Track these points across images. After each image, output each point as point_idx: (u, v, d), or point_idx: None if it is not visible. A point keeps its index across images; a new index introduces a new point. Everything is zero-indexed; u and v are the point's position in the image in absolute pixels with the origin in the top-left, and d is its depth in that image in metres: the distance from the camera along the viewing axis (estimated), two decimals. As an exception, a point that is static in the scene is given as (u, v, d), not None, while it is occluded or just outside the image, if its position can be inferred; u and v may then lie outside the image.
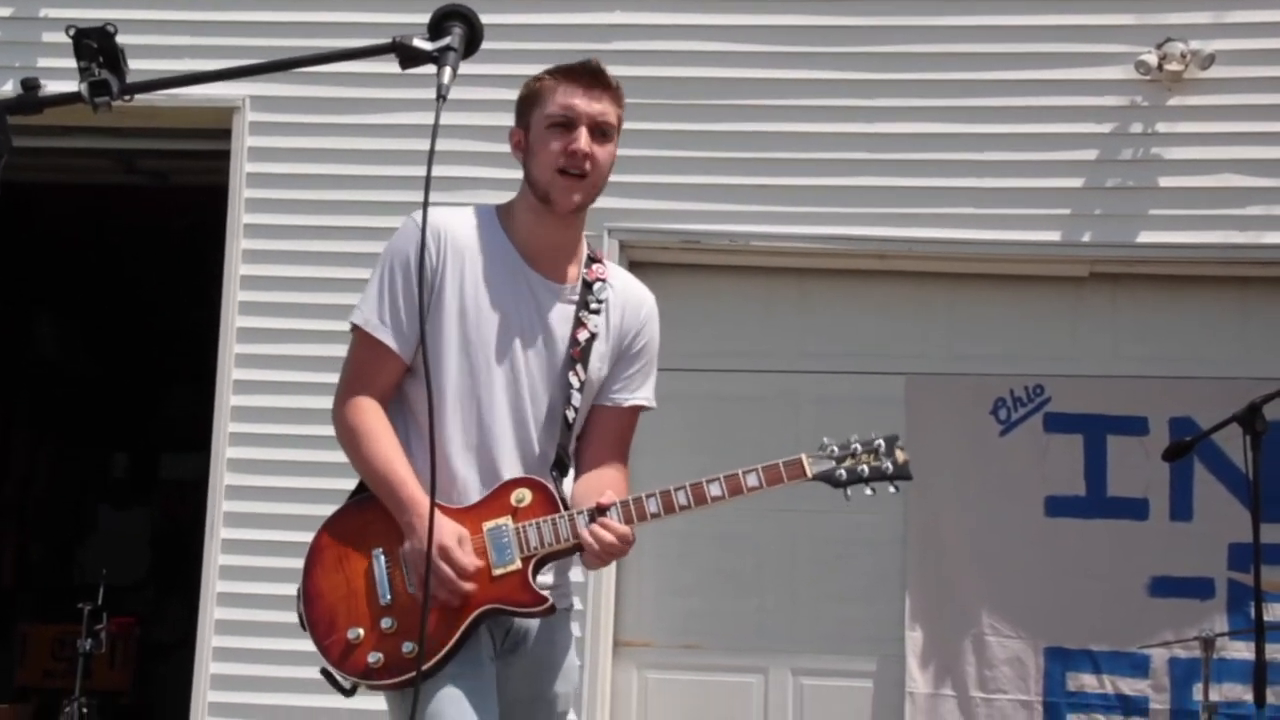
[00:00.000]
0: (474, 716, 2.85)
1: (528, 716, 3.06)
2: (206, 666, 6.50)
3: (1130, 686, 6.30)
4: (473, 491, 2.98)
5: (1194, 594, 6.28)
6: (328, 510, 3.04)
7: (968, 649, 6.37)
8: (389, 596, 2.91)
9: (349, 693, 2.96)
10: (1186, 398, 6.35)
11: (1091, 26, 6.56)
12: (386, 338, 2.99)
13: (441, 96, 2.39)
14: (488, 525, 2.94)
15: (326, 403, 3.10)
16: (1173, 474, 6.28)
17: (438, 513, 2.77)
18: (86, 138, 7.05)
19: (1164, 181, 6.48)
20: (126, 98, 2.26)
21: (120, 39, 2.25)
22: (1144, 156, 6.49)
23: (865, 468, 3.06)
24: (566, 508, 2.98)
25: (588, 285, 3.10)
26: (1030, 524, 6.42)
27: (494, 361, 3.00)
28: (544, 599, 2.93)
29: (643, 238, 6.61)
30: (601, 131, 3.01)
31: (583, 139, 2.97)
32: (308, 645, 2.94)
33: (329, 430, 3.08)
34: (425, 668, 2.78)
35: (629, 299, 3.17)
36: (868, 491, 3.07)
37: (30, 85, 2.24)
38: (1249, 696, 4.97)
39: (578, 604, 6.12)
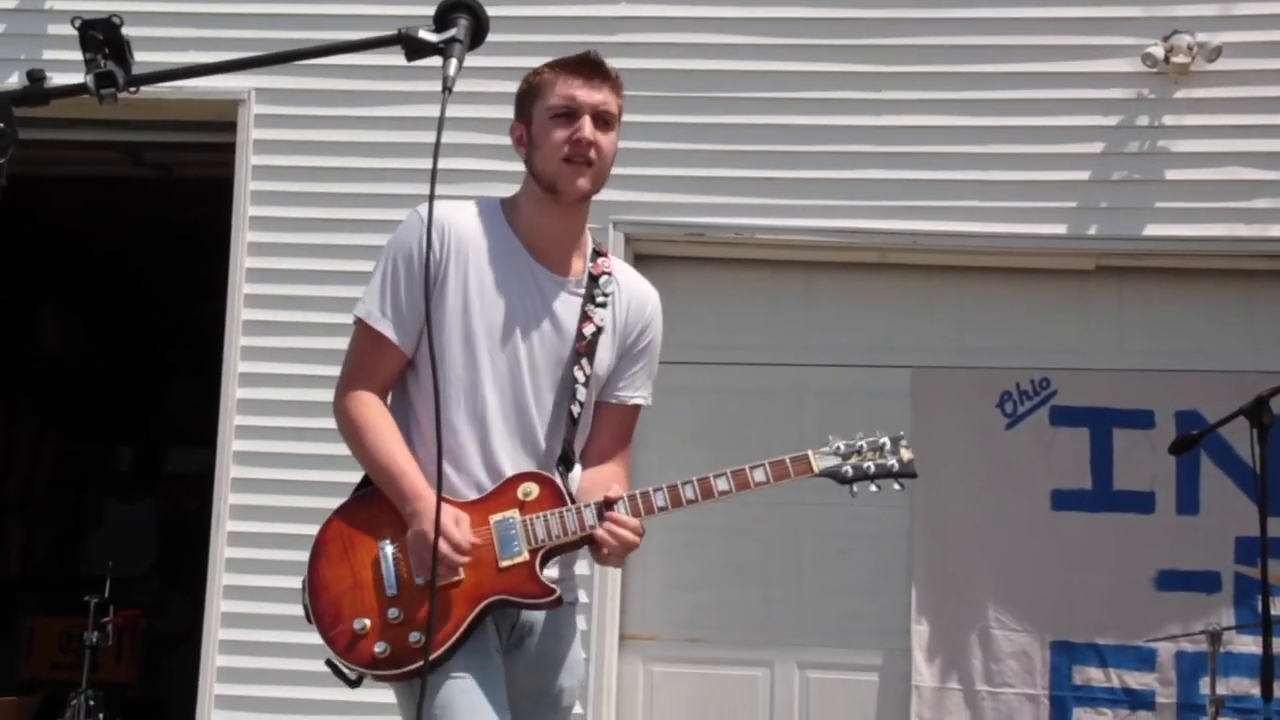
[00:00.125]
0: (485, 705, 2.85)
1: (533, 710, 3.05)
2: (213, 659, 6.51)
3: (1137, 680, 6.29)
4: (477, 485, 2.98)
5: (1201, 588, 6.28)
6: (335, 503, 3.04)
7: (974, 642, 6.37)
8: (396, 587, 2.91)
9: (354, 684, 2.96)
10: (1193, 391, 6.34)
11: (1098, 19, 6.55)
12: (388, 330, 2.99)
13: (447, 89, 2.39)
14: (495, 518, 2.94)
15: (332, 396, 3.10)
16: (1179, 467, 6.28)
17: (434, 500, 2.77)
18: (92, 130, 7.04)
19: (1170, 174, 6.47)
20: (132, 90, 2.26)
21: (126, 31, 2.25)
22: (1150, 149, 6.48)
23: (871, 465, 3.09)
24: (574, 502, 2.98)
25: (594, 279, 3.09)
26: (1036, 517, 6.42)
27: (499, 355, 3.00)
28: (551, 590, 2.94)
29: (648, 231, 6.60)
30: (604, 120, 3.01)
31: (587, 127, 2.97)
32: (314, 638, 2.95)
33: (335, 423, 3.08)
34: (432, 658, 2.78)
35: (634, 295, 3.17)
36: (873, 489, 3.11)
37: (36, 77, 2.25)
38: (1256, 690, 4.97)
39: (583, 597, 6.16)
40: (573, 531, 2.94)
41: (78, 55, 2.23)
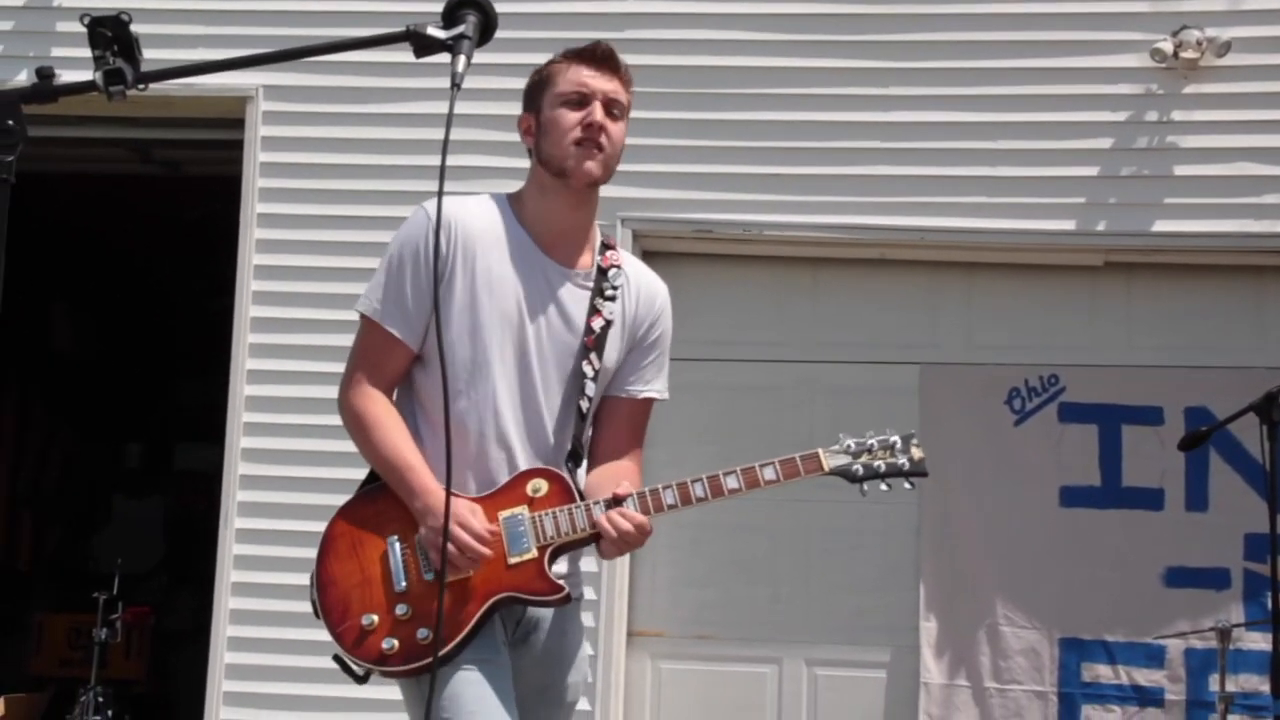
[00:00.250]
0: (493, 699, 2.85)
1: (539, 706, 3.05)
2: (221, 656, 6.52)
3: (1146, 677, 6.28)
4: (487, 481, 2.97)
5: (1210, 584, 6.27)
6: (342, 500, 3.03)
7: (982, 639, 6.37)
8: (404, 583, 2.91)
9: (362, 680, 2.95)
10: (1202, 387, 6.33)
11: (1107, 14, 6.53)
12: (393, 326, 2.98)
13: (456, 85, 2.38)
14: (504, 514, 2.94)
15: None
16: (1188, 464, 6.27)
17: (443, 495, 2.77)
18: (101, 127, 7.06)
19: (1179, 170, 6.45)
20: (141, 87, 2.26)
21: (134, 28, 2.25)
22: (1159, 145, 6.47)
23: (881, 464, 3.08)
24: (582, 498, 2.98)
25: (602, 272, 3.08)
26: (1045, 514, 6.41)
27: (507, 349, 2.99)
28: (560, 588, 2.93)
29: (656, 227, 6.60)
30: (613, 109, 3.01)
31: (598, 111, 2.98)
32: (323, 635, 2.94)
33: (341, 420, 3.08)
34: (441, 654, 2.78)
35: (643, 288, 3.16)
36: (883, 487, 3.10)
37: (45, 74, 2.24)
38: (1265, 687, 4.96)
39: (590, 593, 6.15)
40: (581, 529, 2.94)
41: (86, 52, 2.23)
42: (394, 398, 3.05)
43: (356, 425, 3.00)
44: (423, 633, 2.86)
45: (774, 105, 6.61)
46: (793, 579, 6.57)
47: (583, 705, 6.19)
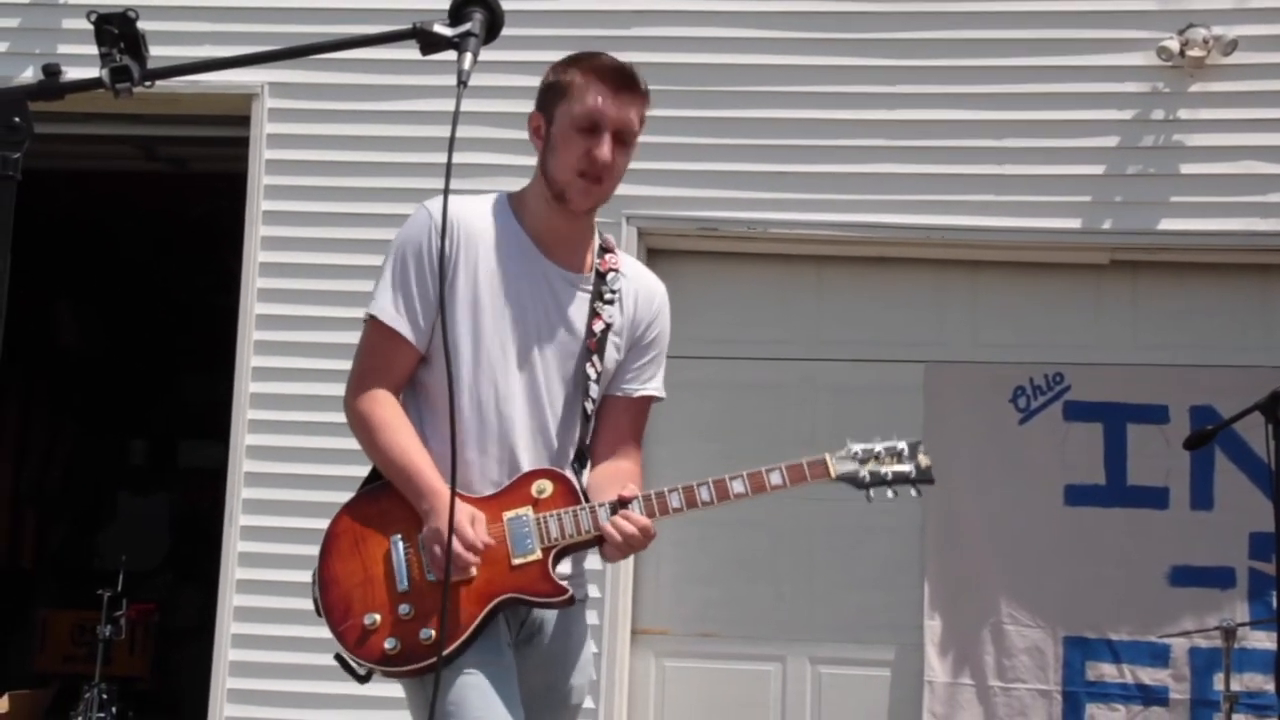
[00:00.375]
0: (497, 701, 2.83)
1: (543, 708, 3.04)
2: (225, 653, 6.52)
3: (1150, 676, 6.28)
4: (492, 481, 2.96)
5: (1214, 583, 6.26)
6: (347, 497, 3.02)
7: (986, 638, 6.36)
8: (407, 583, 2.89)
9: (363, 680, 2.94)
10: (1207, 386, 6.32)
11: (1113, 12, 6.53)
12: (401, 327, 2.97)
13: (462, 83, 2.38)
14: (508, 515, 2.93)
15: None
16: (1193, 463, 6.26)
17: (449, 497, 2.76)
18: (107, 124, 7.07)
19: (1185, 168, 6.45)
20: (147, 84, 2.25)
21: (141, 25, 2.24)
22: (1165, 143, 6.46)
23: (888, 471, 3.09)
24: (587, 500, 2.97)
25: (601, 275, 3.08)
26: (1050, 513, 6.40)
27: (510, 351, 2.98)
28: (564, 589, 2.93)
29: (660, 225, 6.60)
30: (623, 138, 2.98)
31: (606, 147, 2.94)
32: (327, 633, 2.94)
33: (346, 420, 3.07)
34: (444, 654, 2.77)
35: (641, 289, 3.15)
36: (890, 494, 3.11)
37: (51, 71, 2.24)
38: (1270, 686, 4.97)
39: (594, 591, 6.15)
40: (586, 531, 2.92)
41: (93, 50, 2.22)
42: (401, 399, 3.04)
43: (363, 427, 2.99)
44: (425, 633, 2.85)
45: (779, 103, 6.61)
46: (797, 577, 6.57)
47: (587, 703, 6.21)
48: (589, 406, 3.04)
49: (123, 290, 11.48)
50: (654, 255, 6.52)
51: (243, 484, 6.61)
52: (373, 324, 3.01)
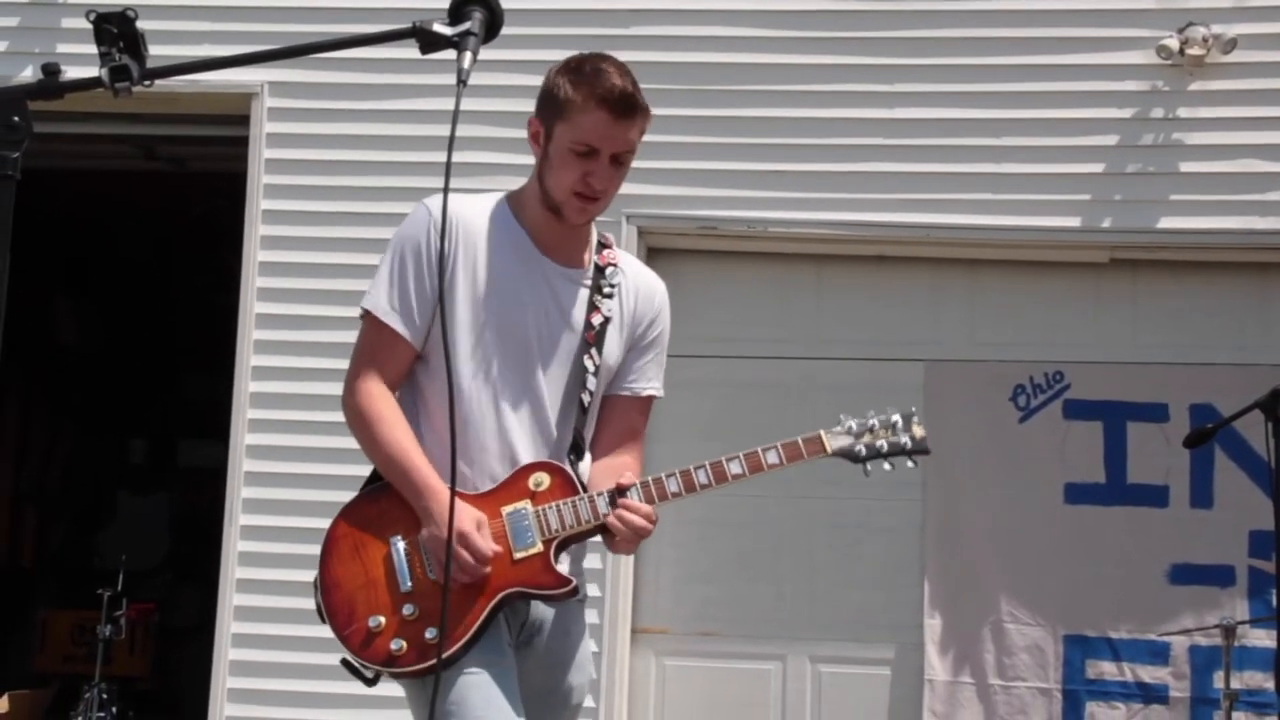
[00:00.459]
0: (500, 700, 2.84)
1: (543, 708, 3.03)
2: (226, 652, 6.52)
3: (1150, 674, 6.28)
4: (490, 476, 2.97)
5: (1214, 581, 6.27)
6: (348, 497, 3.03)
7: (986, 636, 6.37)
8: (409, 583, 2.89)
9: (371, 682, 2.94)
10: (1207, 384, 6.32)
11: (1112, 11, 6.53)
12: (397, 324, 2.97)
13: (462, 82, 2.38)
14: (507, 509, 2.93)
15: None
16: (1193, 461, 6.26)
17: (447, 495, 2.76)
18: (106, 124, 7.07)
19: (1185, 167, 6.45)
20: (146, 83, 2.25)
21: (140, 24, 2.24)
22: (1165, 142, 6.46)
23: (884, 443, 3.07)
24: (585, 490, 2.97)
25: (600, 270, 3.09)
26: (1050, 511, 6.41)
27: (509, 346, 2.99)
28: (568, 580, 2.93)
29: (660, 224, 6.60)
30: (622, 159, 2.96)
31: (602, 171, 2.93)
32: (327, 632, 2.93)
33: (344, 418, 3.07)
34: (448, 654, 2.77)
35: (642, 286, 3.16)
36: (886, 466, 3.09)
37: (51, 70, 2.24)
38: (1270, 684, 4.97)
39: (595, 590, 6.15)
40: (586, 520, 2.93)
41: (92, 49, 2.22)
42: (397, 395, 3.04)
43: (360, 424, 2.99)
44: (431, 632, 2.84)
45: (778, 102, 6.61)
46: (797, 576, 6.57)
47: (587, 702, 6.21)
48: (586, 399, 3.04)
49: (123, 290, 11.47)
50: (653, 254, 6.52)
51: (242, 483, 6.61)
52: (369, 320, 3.02)
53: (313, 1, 6.79)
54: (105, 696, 7.65)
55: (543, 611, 3.01)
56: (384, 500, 2.96)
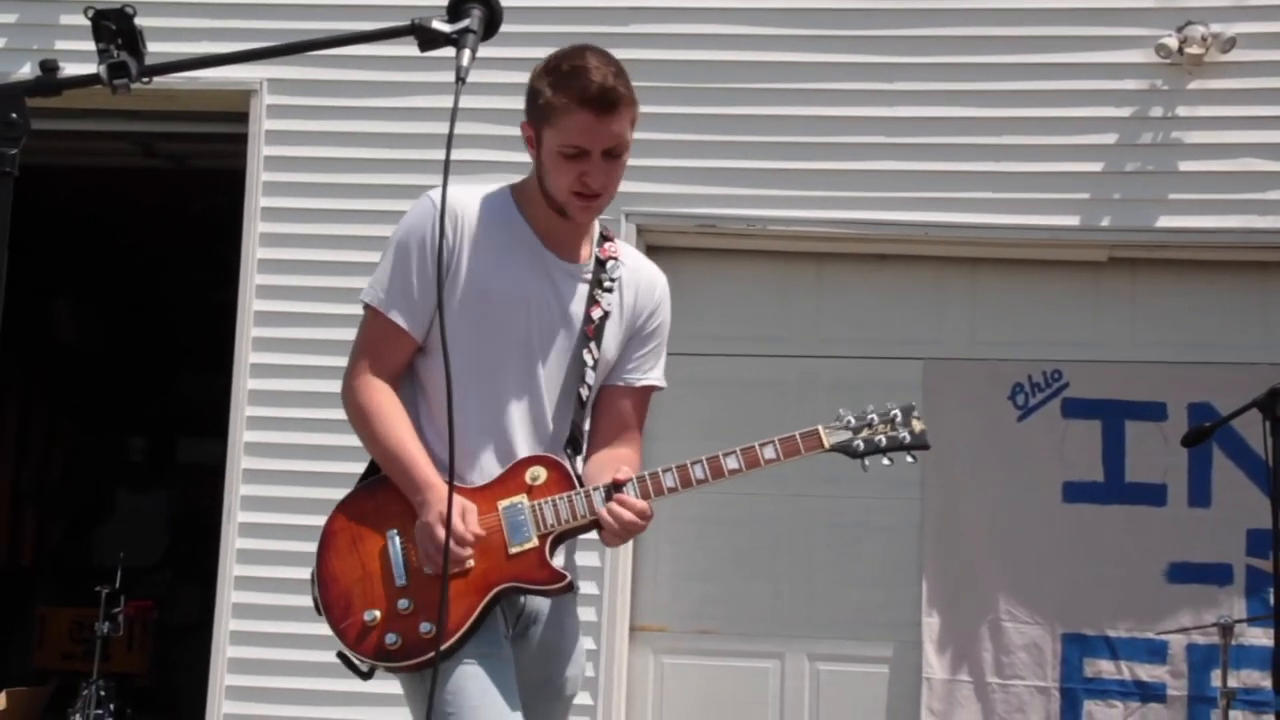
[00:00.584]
0: (495, 692, 2.84)
1: (537, 700, 3.03)
2: (224, 650, 6.52)
3: (1148, 672, 6.29)
4: (487, 470, 2.96)
5: (1212, 580, 6.27)
6: (345, 494, 3.03)
7: (985, 635, 6.37)
8: (405, 578, 2.90)
9: (366, 676, 2.95)
10: (1205, 383, 6.33)
11: (1111, 10, 6.53)
12: (398, 317, 2.97)
13: (461, 79, 2.38)
14: (503, 504, 2.93)
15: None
16: (1191, 460, 6.27)
17: (444, 490, 2.76)
18: (104, 120, 7.06)
19: (1184, 166, 6.45)
20: (145, 80, 2.25)
21: (139, 21, 2.24)
22: (1164, 141, 6.46)
23: (882, 438, 3.05)
24: (582, 485, 2.97)
25: (600, 263, 3.08)
26: (1048, 510, 6.41)
27: (508, 339, 2.99)
28: (562, 576, 2.93)
29: (659, 221, 6.60)
30: (614, 153, 2.93)
31: (596, 169, 2.91)
32: (325, 629, 2.94)
33: (344, 412, 3.07)
34: (444, 648, 2.78)
35: (642, 279, 3.16)
36: (885, 461, 3.06)
37: (49, 67, 2.24)
38: (1267, 683, 4.97)
39: (593, 588, 6.16)
40: (582, 516, 2.93)
41: (90, 45, 2.22)
42: (398, 388, 3.04)
43: (359, 416, 3.00)
44: (425, 627, 2.85)
45: (778, 100, 6.61)
46: (795, 574, 6.57)
47: (585, 700, 6.23)
48: (584, 393, 3.04)
49: (121, 287, 11.47)
50: (653, 252, 6.51)
51: (241, 481, 6.61)
52: (370, 313, 3.02)
53: (312, -1, 6.79)
54: (103, 694, 7.66)
55: (539, 603, 3.01)
56: (381, 494, 2.96)
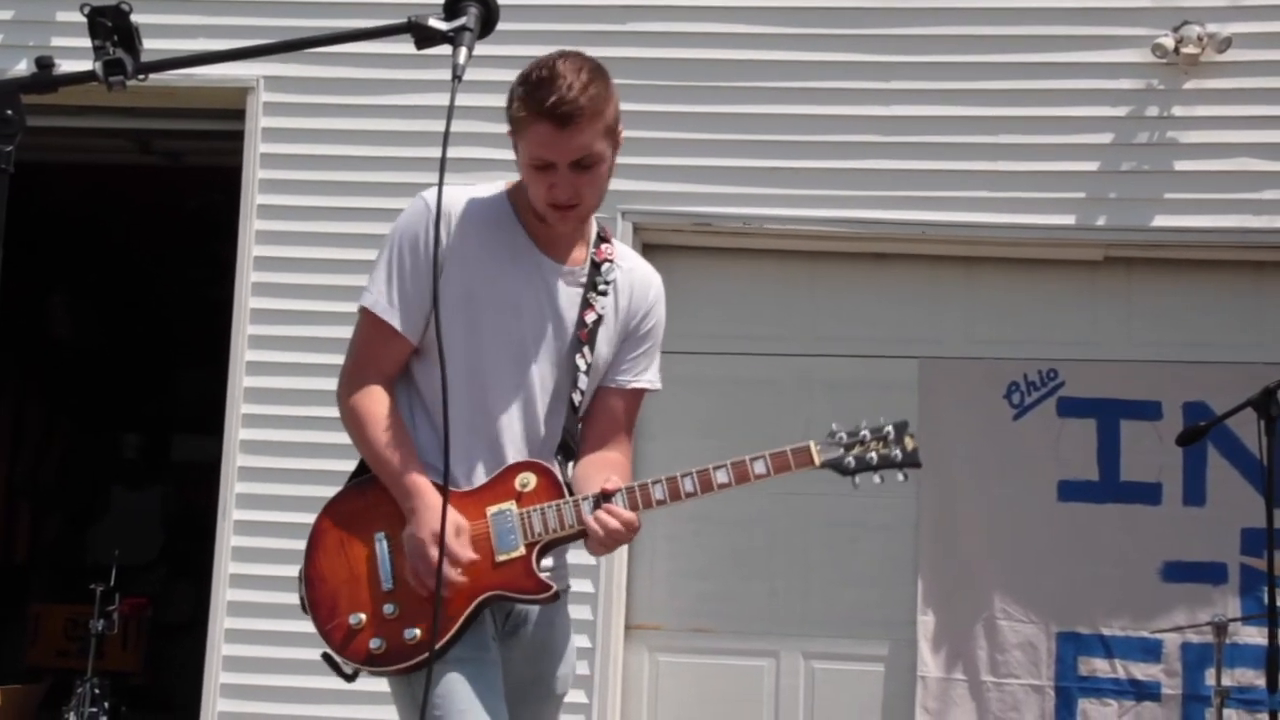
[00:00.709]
0: (483, 694, 2.83)
1: (528, 698, 3.03)
2: (218, 648, 6.52)
3: (1142, 671, 6.29)
4: (478, 474, 2.95)
5: (1207, 579, 6.28)
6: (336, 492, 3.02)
7: (979, 633, 6.37)
8: (391, 582, 2.88)
9: (350, 678, 2.94)
10: (1200, 382, 6.33)
11: (1107, 9, 6.53)
12: (394, 320, 2.95)
13: (457, 77, 2.37)
14: (491, 510, 2.91)
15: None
16: (1186, 459, 6.27)
17: (438, 505, 2.75)
18: (101, 117, 7.05)
19: (1179, 165, 6.46)
20: (141, 77, 2.25)
21: (135, 18, 2.24)
22: (1160, 140, 6.47)
23: (874, 455, 3.02)
24: (571, 493, 2.95)
25: (595, 266, 3.06)
26: (1043, 508, 6.41)
27: (501, 343, 2.97)
28: (548, 586, 2.91)
29: (656, 220, 6.60)
30: (584, 164, 2.87)
31: (564, 181, 2.87)
32: (316, 628, 2.94)
33: (338, 413, 3.07)
34: (430, 654, 2.77)
35: (637, 280, 3.13)
36: (876, 480, 3.03)
37: (45, 64, 2.24)
38: (1261, 681, 4.97)
39: (588, 586, 6.16)
40: (569, 525, 2.90)
41: (86, 42, 2.22)
42: (392, 390, 3.03)
43: (354, 420, 2.98)
44: (410, 633, 2.84)
45: (774, 99, 6.61)
46: (790, 573, 6.58)
47: (580, 698, 6.23)
48: (577, 398, 3.02)
49: (117, 284, 11.46)
50: (649, 250, 6.51)
51: (236, 479, 6.61)
52: (366, 316, 3.00)
53: (309, -4, 6.78)
54: (98, 691, 7.66)
55: (528, 605, 3.00)
56: (371, 494, 2.95)
